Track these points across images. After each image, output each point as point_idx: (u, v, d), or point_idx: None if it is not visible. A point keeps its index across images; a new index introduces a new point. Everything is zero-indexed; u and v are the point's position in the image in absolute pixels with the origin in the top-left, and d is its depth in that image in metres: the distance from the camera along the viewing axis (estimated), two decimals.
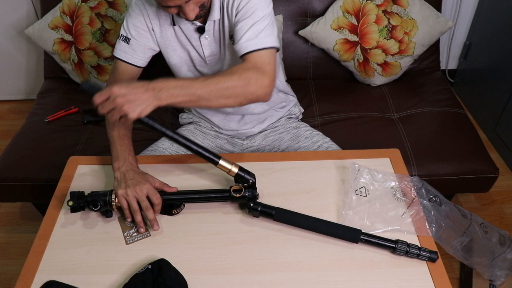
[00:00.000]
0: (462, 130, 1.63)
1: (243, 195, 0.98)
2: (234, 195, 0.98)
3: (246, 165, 1.12)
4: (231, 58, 1.20)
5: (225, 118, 1.36)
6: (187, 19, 1.06)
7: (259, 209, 0.97)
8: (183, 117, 1.48)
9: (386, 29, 1.73)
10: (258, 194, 0.99)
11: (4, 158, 1.55)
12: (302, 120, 1.55)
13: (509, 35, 1.95)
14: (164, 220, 1.00)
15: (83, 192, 0.99)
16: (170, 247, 0.94)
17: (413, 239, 0.95)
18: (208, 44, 1.18)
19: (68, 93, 1.84)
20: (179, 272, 0.88)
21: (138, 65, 1.19)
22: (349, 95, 1.83)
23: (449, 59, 2.39)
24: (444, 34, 1.82)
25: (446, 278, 0.88)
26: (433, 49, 1.89)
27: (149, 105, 0.90)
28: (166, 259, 0.90)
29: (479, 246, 1.00)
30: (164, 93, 0.91)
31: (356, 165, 1.07)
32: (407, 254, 0.90)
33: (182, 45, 1.20)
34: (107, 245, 0.95)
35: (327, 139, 1.37)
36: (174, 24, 1.16)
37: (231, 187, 1.00)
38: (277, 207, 0.97)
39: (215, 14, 1.11)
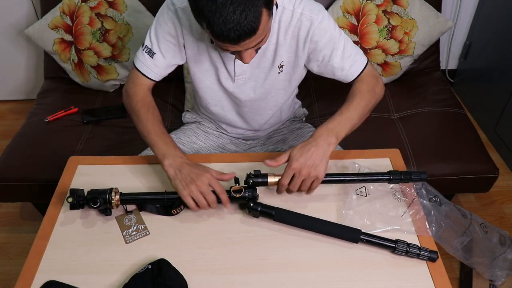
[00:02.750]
0: (462, 130, 1.63)
1: (243, 196, 0.98)
2: (234, 195, 0.98)
3: (247, 165, 1.12)
4: (263, 81, 1.17)
5: (234, 126, 1.35)
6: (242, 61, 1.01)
7: (259, 209, 0.97)
8: (187, 116, 1.47)
9: (386, 29, 1.73)
10: (258, 195, 0.99)
11: (4, 158, 1.55)
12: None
13: (509, 35, 1.95)
14: (164, 220, 1.00)
15: (82, 190, 0.99)
16: (170, 247, 0.94)
17: (413, 239, 0.95)
18: (241, 64, 1.12)
19: (68, 93, 1.84)
20: (179, 272, 0.88)
21: (156, 80, 1.17)
22: None
23: (449, 59, 2.39)
24: (444, 34, 1.82)
25: (446, 278, 0.88)
26: (433, 49, 1.89)
27: (326, 157, 0.98)
28: (166, 259, 0.90)
29: (480, 246, 1.00)
30: (333, 138, 0.99)
31: (357, 165, 1.07)
32: (407, 254, 0.90)
33: (211, 60, 1.15)
34: (107, 245, 0.95)
35: None
36: (212, 42, 1.09)
37: (231, 187, 1.00)
38: (277, 207, 0.97)
39: None
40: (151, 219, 1.00)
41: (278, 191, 1.01)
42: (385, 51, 1.76)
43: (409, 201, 1.02)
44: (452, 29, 2.23)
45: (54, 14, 1.75)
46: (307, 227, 0.97)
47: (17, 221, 1.85)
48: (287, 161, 0.99)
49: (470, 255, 0.99)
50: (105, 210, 0.99)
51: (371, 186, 1.05)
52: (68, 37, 1.75)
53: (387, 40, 1.74)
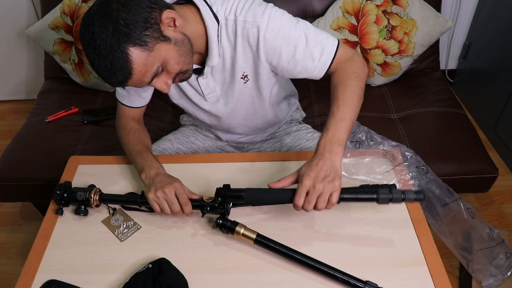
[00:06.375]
0: (462, 130, 1.63)
1: (214, 210, 0.96)
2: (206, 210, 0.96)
3: (247, 165, 1.12)
4: (232, 94, 1.14)
5: (227, 132, 1.34)
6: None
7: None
8: (184, 119, 1.47)
9: (385, 29, 1.73)
10: (229, 209, 0.97)
11: (4, 158, 1.55)
12: (303, 121, 1.54)
13: (509, 35, 1.96)
14: (164, 219, 1.01)
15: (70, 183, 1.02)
16: (170, 246, 0.95)
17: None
18: (206, 83, 1.11)
19: (68, 93, 1.84)
20: (179, 271, 0.88)
21: (139, 106, 1.20)
22: None
23: (449, 59, 2.39)
24: (443, 34, 1.82)
25: (446, 278, 0.88)
26: (433, 49, 1.89)
27: (336, 168, 0.89)
28: (167, 258, 0.90)
29: (464, 229, 1.02)
30: (336, 147, 0.91)
31: (356, 122, 1.10)
32: (391, 200, 0.91)
33: (177, 83, 1.14)
34: (107, 244, 0.95)
35: None
36: None
37: (203, 196, 0.98)
38: (246, 188, 0.96)
39: (214, 60, 1.03)
40: (146, 218, 1.01)
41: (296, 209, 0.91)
42: (385, 51, 1.76)
43: (396, 163, 1.07)
44: (452, 29, 2.24)
45: (54, 14, 1.75)
46: (275, 201, 0.96)
47: (17, 221, 1.85)
48: (295, 182, 0.91)
49: (470, 252, 1.00)
50: (84, 210, 1.00)
51: (365, 143, 1.10)
52: (69, 37, 1.76)
53: (387, 40, 1.74)
